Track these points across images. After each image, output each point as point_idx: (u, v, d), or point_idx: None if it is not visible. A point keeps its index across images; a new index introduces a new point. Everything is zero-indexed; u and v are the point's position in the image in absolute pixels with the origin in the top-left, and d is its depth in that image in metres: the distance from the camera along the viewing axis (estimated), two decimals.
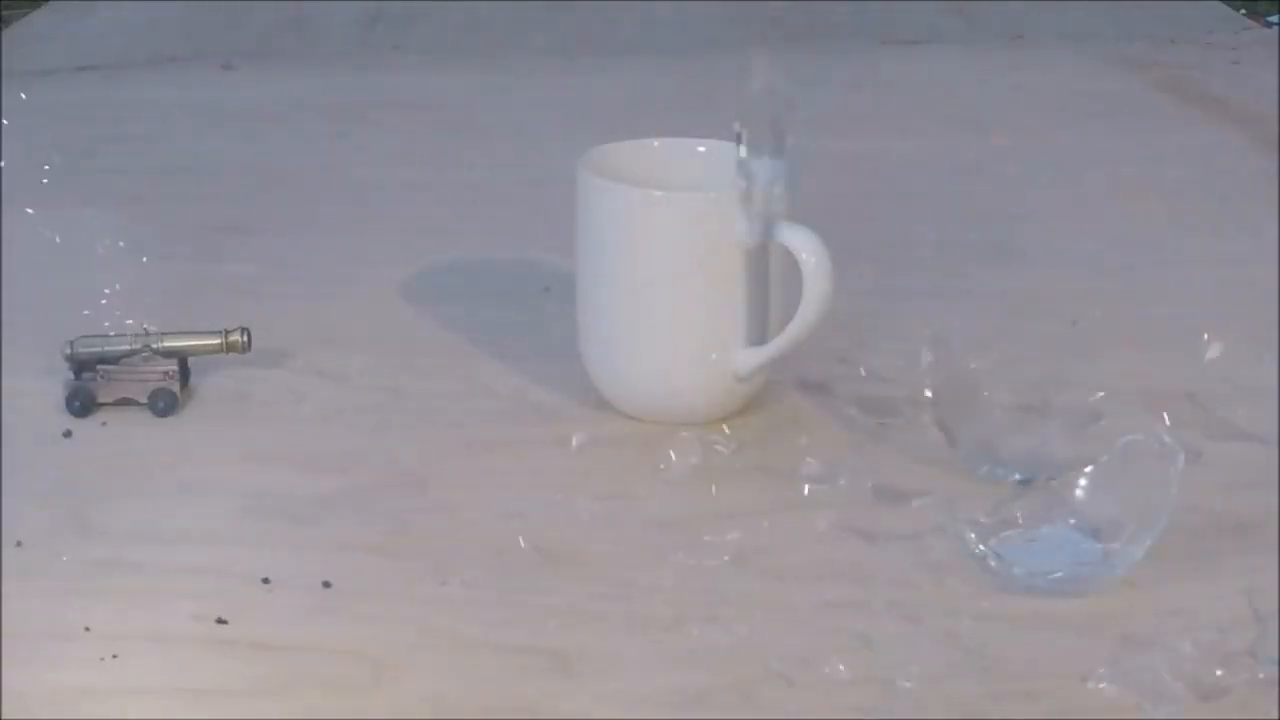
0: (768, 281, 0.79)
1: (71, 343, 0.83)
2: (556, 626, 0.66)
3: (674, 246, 0.79)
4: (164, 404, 0.82)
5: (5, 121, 1.18)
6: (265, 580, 0.69)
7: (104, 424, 0.82)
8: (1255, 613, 0.66)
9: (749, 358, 0.80)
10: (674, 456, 0.78)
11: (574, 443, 0.80)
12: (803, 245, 0.77)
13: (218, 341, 0.84)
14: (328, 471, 0.78)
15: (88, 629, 0.66)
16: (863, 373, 0.85)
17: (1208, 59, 1.47)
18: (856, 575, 0.70)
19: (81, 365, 0.82)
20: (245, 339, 0.84)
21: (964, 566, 0.69)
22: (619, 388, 0.82)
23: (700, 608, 0.68)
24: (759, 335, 0.80)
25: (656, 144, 0.85)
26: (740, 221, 0.78)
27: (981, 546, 0.69)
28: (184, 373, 0.83)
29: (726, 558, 0.71)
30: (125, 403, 0.82)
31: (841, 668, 0.64)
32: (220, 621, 0.66)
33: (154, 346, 0.83)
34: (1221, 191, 1.15)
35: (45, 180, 1.10)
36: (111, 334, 0.84)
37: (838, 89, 1.38)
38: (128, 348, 0.83)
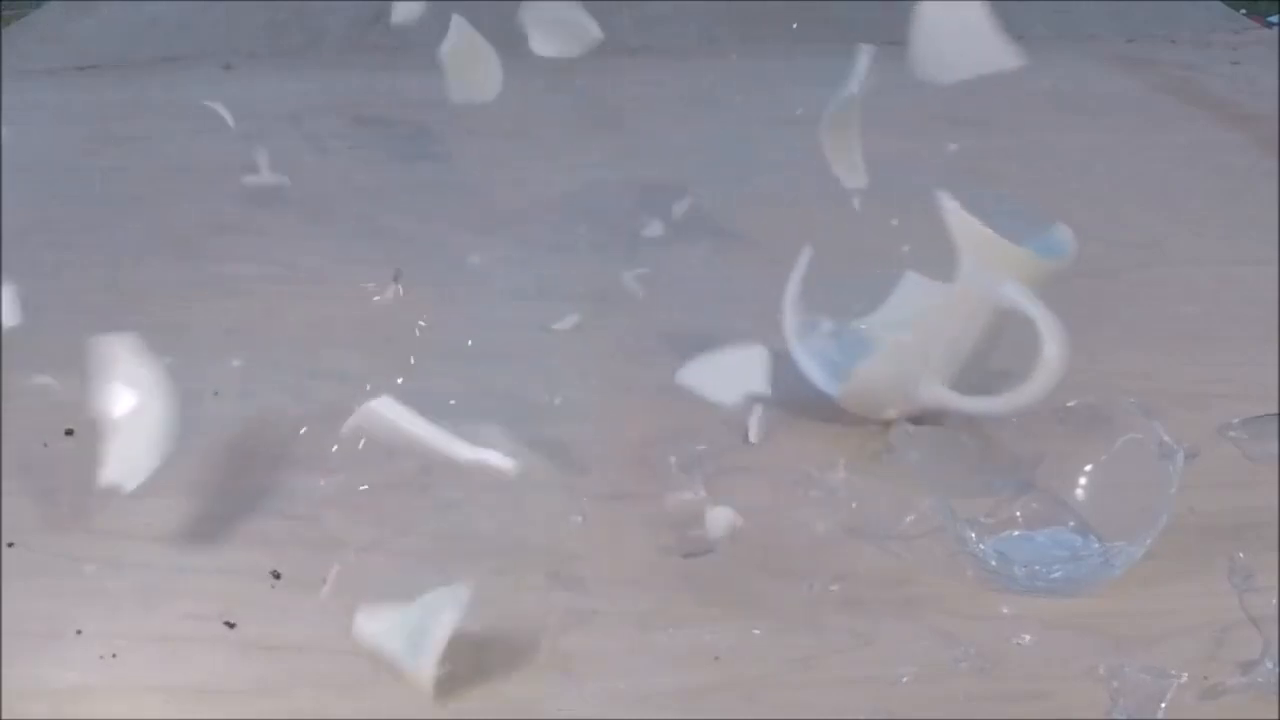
0: (977, 328, 0.78)
1: None
2: (557, 626, 0.66)
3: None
4: None
5: (5, 121, 1.18)
6: (274, 573, 0.69)
7: None
8: (1249, 614, 0.66)
9: (928, 391, 0.78)
10: (674, 457, 0.78)
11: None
12: (1052, 336, 0.74)
13: None
14: (328, 472, 0.78)
15: (80, 631, 0.66)
16: None
17: (1208, 59, 1.47)
18: (856, 575, 0.70)
19: None
20: None
21: (964, 566, 0.69)
22: None
23: (700, 607, 0.68)
24: (947, 374, 0.78)
25: None
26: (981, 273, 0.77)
27: (981, 546, 0.69)
28: None
29: (726, 557, 0.71)
30: None
31: (841, 668, 0.64)
32: (227, 625, 0.66)
33: None
34: (1221, 191, 1.15)
35: (46, 180, 1.10)
36: None
37: (838, 89, 1.37)
38: None
